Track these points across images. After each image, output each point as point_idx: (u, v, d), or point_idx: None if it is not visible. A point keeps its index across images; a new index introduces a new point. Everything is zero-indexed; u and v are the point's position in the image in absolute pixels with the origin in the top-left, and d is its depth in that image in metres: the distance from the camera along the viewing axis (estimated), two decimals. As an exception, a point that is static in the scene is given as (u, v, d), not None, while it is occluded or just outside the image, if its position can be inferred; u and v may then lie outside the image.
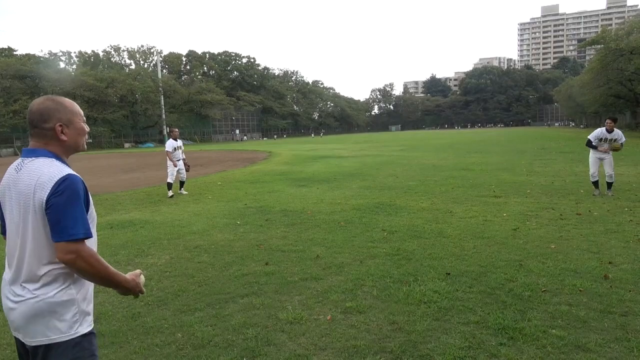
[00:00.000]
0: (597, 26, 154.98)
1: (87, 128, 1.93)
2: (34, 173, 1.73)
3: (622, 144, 9.36)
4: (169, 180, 11.47)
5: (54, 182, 1.68)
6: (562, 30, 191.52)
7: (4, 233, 1.89)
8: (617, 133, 9.37)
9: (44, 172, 1.72)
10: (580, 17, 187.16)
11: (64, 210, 1.66)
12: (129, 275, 1.90)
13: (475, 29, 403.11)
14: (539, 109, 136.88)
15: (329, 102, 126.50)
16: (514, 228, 6.67)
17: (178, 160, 11.67)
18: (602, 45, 46.19)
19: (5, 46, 68.96)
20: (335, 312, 3.92)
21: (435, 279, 4.61)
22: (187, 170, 12.06)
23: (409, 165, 18.13)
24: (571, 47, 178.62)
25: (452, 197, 9.65)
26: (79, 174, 1.79)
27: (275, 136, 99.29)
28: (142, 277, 1.99)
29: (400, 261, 5.25)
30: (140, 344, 3.47)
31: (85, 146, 1.96)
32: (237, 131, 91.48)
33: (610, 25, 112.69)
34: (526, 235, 6.27)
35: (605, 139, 9.40)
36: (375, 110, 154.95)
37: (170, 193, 11.23)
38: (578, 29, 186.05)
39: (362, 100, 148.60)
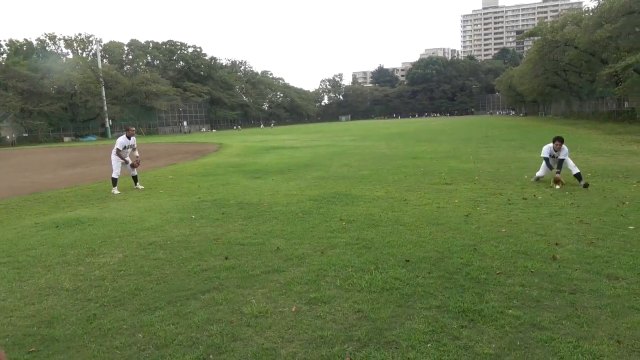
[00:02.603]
0: (534, 19, 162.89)
1: None
2: None
3: (562, 162, 9.23)
4: (114, 175, 10.92)
5: None
6: (502, 22, 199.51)
7: None
8: (563, 152, 9.31)
9: None
10: (519, 9, 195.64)
11: None
12: None
13: (420, 19, 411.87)
14: (481, 98, 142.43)
15: (278, 93, 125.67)
16: (466, 214, 6.92)
17: (125, 158, 11.15)
18: (539, 37, 48.58)
19: None
20: (300, 303, 3.92)
21: (395, 266, 4.70)
22: (133, 167, 11.37)
23: (362, 154, 18.36)
24: (510, 39, 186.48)
25: (405, 186, 9.87)
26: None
27: (238, 127, 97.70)
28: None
29: (360, 250, 5.31)
30: (99, 347, 3.32)
31: None
32: (185, 123, 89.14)
33: (546, 17, 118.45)
34: (478, 220, 6.51)
35: (554, 157, 9.46)
36: (325, 100, 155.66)
37: (115, 190, 10.69)
38: (516, 21, 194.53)
39: (311, 90, 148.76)
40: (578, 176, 9.11)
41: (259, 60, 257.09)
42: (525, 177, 10.34)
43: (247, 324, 3.57)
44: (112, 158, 11.10)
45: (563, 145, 9.37)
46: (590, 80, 46.40)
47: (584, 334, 3.18)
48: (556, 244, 5.19)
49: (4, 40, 71.89)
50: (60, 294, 4.38)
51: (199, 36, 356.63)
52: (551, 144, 9.50)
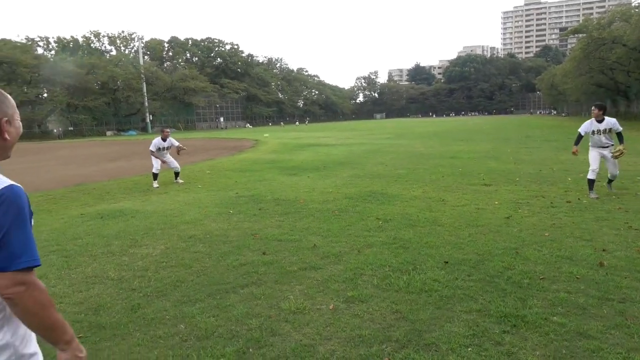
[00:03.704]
0: (579, 15, 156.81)
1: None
2: None
3: (620, 134, 8.11)
4: (154, 170, 11.24)
5: None
6: (545, 18, 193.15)
7: None
8: (610, 122, 8.14)
9: None
10: (563, 5, 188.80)
11: (9, 231, 1.32)
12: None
13: (459, 17, 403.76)
14: (521, 97, 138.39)
15: (313, 90, 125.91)
16: (507, 216, 6.74)
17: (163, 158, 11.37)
18: (585, 35, 46.77)
19: (-20, 31, 66.83)
20: (338, 301, 3.92)
21: (434, 267, 4.64)
22: (177, 153, 11.69)
23: (397, 153, 18.19)
24: (553, 36, 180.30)
25: (443, 186, 9.71)
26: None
27: (281, 123, 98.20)
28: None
29: (397, 250, 5.27)
30: (143, 335, 3.43)
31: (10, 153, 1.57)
32: (222, 119, 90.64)
33: (592, 14, 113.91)
34: (519, 223, 6.34)
35: (599, 131, 8.16)
36: (360, 98, 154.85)
37: (155, 184, 11.02)
38: (560, 17, 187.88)
39: (346, 88, 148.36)
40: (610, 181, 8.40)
41: (295, 57, 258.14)
42: (569, 179, 9.99)
43: (285, 320, 3.60)
44: (151, 155, 11.40)
45: (608, 118, 8.15)
46: (639, 79, 44.35)
47: (634, 345, 3.05)
48: (603, 250, 4.99)
49: (53, 38, 75.09)
50: (106, 282, 4.55)
51: (236, 33, 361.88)
52: (592, 119, 8.24)
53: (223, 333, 3.42)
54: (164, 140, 11.43)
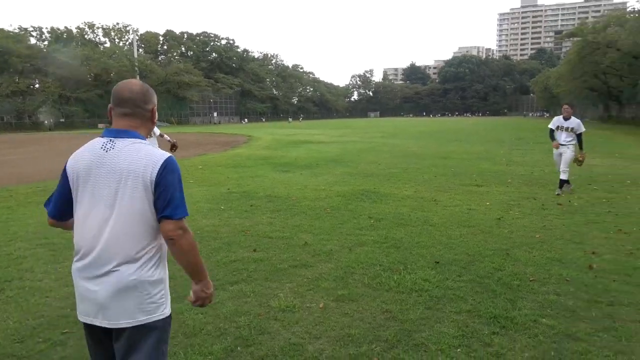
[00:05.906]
0: (575, 19, 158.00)
1: None
2: (137, 153, 1.76)
3: (580, 134, 8.53)
4: None
5: (162, 162, 1.76)
6: (541, 21, 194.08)
7: (62, 218, 1.95)
8: (574, 121, 8.58)
9: (149, 152, 1.78)
10: (559, 9, 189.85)
11: (175, 188, 1.76)
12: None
13: (455, 17, 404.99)
14: (515, 99, 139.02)
15: (308, 87, 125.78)
16: (498, 217, 6.76)
17: None
18: (580, 38, 47.12)
19: (-28, 19, 65.95)
20: (328, 300, 3.90)
21: (424, 267, 4.63)
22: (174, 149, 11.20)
23: (390, 152, 18.21)
24: (548, 39, 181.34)
25: (435, 186, 9.73)
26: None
27: (289, 119, 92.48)
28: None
29: (389, 249, 5.26)
30: (130, 332, 3.38)
31: None
32: (215, 114, 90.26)
33: (587, 18, 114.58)
34: (510, 224, 6.36)
35: (562, 127, 8.64)
36: (355, 96, 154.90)
37: None
38: (556, 21, 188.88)
39: (341, 85, 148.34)
40: (562, 183, 8.62)
41: (291, 53, 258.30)
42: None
43: (275, 318, 3.58)
44: None
45: (574, 118, 8.60)
46: (632, 84, 44.75)
47: (622, 348, 3.06)
48: (593, 253, 5.02)
49: (46, 28, 74.28)
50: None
51: (233, 28, 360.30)
52: (560, 116, 8.80)
53: (211, 330, 3.39)
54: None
